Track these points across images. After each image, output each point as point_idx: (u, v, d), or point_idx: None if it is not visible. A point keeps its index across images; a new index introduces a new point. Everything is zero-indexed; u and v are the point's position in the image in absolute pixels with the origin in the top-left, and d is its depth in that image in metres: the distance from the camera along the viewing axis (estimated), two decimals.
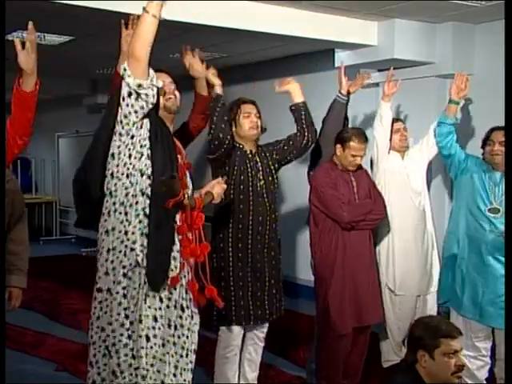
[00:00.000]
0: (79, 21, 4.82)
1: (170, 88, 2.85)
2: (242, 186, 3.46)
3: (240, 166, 3.47)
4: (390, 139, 4.27)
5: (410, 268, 4.23)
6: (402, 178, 4.26)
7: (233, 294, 3.46)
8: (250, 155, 3.53)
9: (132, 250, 2.64)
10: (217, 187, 2.96)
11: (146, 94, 2.58)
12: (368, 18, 4.96)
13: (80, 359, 4.53)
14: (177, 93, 2.88)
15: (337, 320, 3.70)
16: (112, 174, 2.69)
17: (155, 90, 2.61)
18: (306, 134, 3.65)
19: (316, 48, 5.66)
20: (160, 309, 2.67)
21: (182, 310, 2.76)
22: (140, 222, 2.64)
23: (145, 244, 2.64)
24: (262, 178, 3.52)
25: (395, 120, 4.35)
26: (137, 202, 2.65)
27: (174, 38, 5.73)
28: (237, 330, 3.54)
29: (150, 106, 2.63)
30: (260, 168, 3.53)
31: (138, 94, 2.58)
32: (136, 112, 2.61)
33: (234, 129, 3.52)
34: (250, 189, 3.47)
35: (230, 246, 3.47)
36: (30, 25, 2.34)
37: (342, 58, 5.42)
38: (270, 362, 4.32)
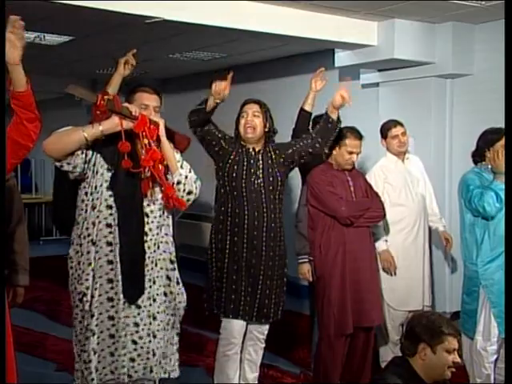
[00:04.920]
0: (79, 21, 4.82)
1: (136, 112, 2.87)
2: (234, 183, 3.45)
3: (235, 164, 3.46)
4: (387, 143, 4.26)
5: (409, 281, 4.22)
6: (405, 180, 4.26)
7: (224, 286, 3.47)
8: (253, 153, 3.51)
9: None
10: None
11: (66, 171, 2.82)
12: (368, 18, 4.96)
13: None
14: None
15: (340, 319, 3.70)
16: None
17: (70, 167, 2.79)
18: (322, 142, 3.56)
19: (316, 48, 5.66)
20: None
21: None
22: (88, 252, 2.86)
23: (92, 274, 2.85)
24: (261, 176, 3.49)
25: (394, 124, 4.27)
26: (89, 235, 2.88)
27: (173, 38, 5.74)
28: (237, 327, 3.53)
29: (79, 170, 2.82)
30: (261, 166, 3.51)
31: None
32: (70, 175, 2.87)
33: (238, 129, 3.53)
34: (244, 185, 3.45)
35: (228, 240, 3.47)
36: (14, 18, 2.29)
37: (342, 57, 5.43)
38: (270, 362, 4.32)
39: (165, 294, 3.02)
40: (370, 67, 5.56)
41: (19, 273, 3.12)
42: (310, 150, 3.56)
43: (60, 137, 2.76)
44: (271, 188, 3.52)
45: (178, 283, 3.07)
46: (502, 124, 3.57)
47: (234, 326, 3.52)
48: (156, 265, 2.97)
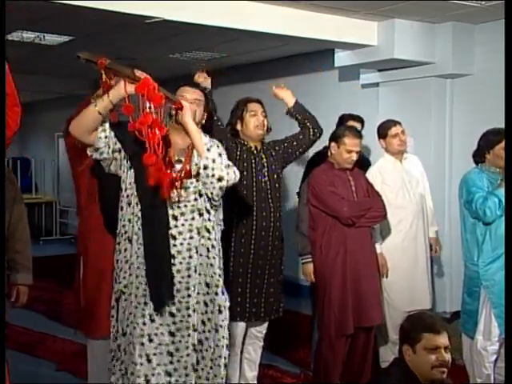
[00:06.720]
0: (79, 21, 4.82)
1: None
2: (245, 182, 3.46)
3: (243, 162, 3.48)
4: (387, 143, 4.25)
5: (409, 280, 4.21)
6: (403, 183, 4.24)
7: (231, 290, 3.45)
8: (255, 151, 3.54)
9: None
10: None
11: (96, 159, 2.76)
12: (368, 18, 4.97)
13: (80, 359, 4.54)
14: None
15: (341, 319, 3.70)
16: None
17: (97, 153, 2.70)
18: (311, 127, 3.66)
19: (316, 48, 5.66)
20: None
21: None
22: (126, 250, 2.74)
23: (128, 272, 2.72)
24: (266, 174, 3.52)
25: (394, 123, 4.26)
26: (126, 232, 2.75)
27: (174, 38, 5.75)
28: (238, 328, 3.53)
29: (105, 156, 2.71)
30: (265, 164, 3.53)
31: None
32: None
33: (239, 127, 3.54)
34: (254, 184, 3.47)
35: (233, 242, 3.47)
36: None
37: (342, 57, 5.43)
38: (269, 362, 4.32)
39: (205, 304, 2.75)
40: (370, 67, 5.56)
41: (20, 271, 3.12)
42: (300, 148, 3.66)
43: (79, 116, 2.70)
44: (276, 186, 3.56)
45: (221, 293, 2.79)
46: (501, 124, 3.58)
47: (236, 328, 3.52)
48: (195, 271, 2.71)
